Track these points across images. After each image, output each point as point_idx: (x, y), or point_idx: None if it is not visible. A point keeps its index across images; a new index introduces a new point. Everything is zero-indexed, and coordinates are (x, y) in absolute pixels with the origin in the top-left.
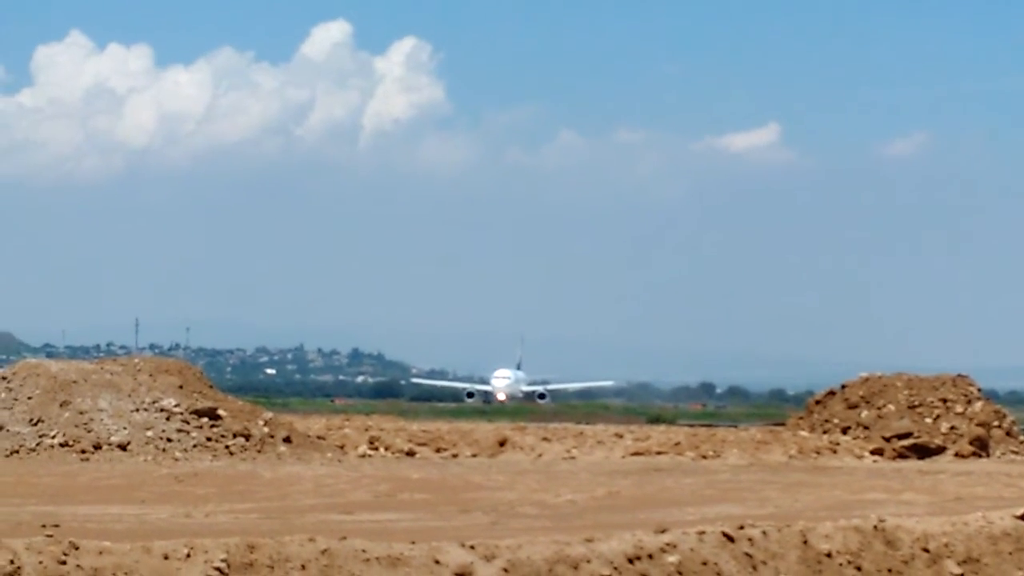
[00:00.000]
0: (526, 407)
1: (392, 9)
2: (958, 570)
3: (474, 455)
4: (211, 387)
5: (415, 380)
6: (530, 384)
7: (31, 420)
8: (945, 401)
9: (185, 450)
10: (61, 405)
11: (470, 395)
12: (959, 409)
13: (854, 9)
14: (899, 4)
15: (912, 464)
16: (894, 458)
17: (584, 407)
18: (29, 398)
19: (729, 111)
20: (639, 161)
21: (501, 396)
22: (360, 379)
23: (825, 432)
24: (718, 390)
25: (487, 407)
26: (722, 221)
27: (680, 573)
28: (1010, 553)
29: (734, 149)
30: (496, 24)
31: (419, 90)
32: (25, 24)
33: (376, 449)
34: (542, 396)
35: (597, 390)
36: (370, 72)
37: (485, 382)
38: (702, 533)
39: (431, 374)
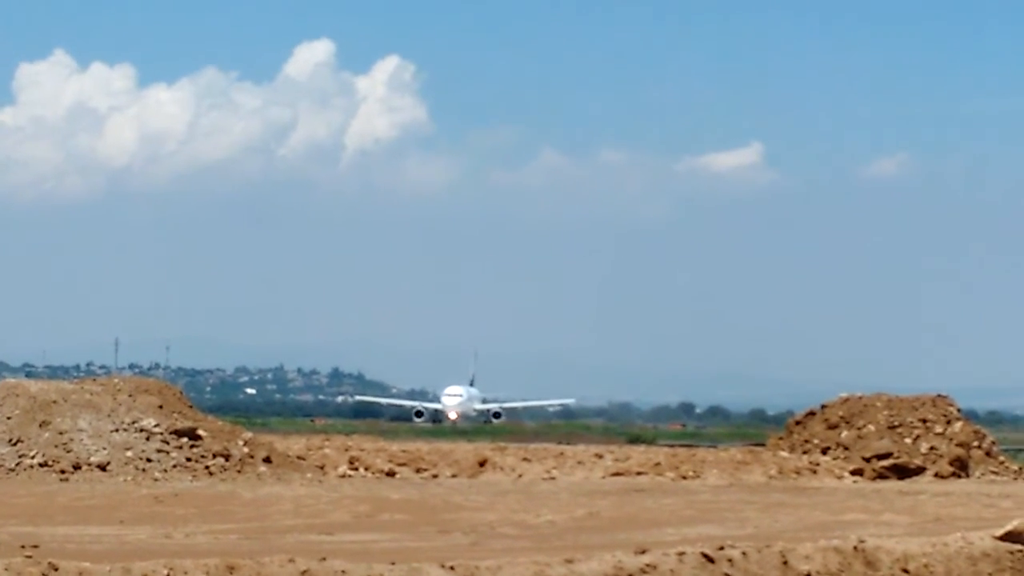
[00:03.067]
0: (478, 427)
1: (375, 28)
2: None
3: (454, 475)
4: (191, 407)
5: (359, 398)
6: (484, 402)
7: (10, 440)
8: (925, 421)
9: (165, 470)
10: (40, 425)
11: (419, 414)
12: (939, 429)
13: (836, 29)
14: (881, 25)
15: (892, 484)
16: (874, 478)
17: (565, 427)
18: (8, 418)
19: (712, 131)
20: (621, 181)
21: (452, 415)
22: (340, 399)
23: (805, 452)
24: (698, 410)
25: (437, 427)
26: (704, 241)
27: None
28: (990, 574)
29: (717, 169)
30: (479, 44)
31: (402, 110)
32: (8, 42)
33: (356, 469)
34: (497, 415)
35: (577, 409)
36: (352, 92)
37: (436, 400)
38: (682, 554)
39: (411, 394)
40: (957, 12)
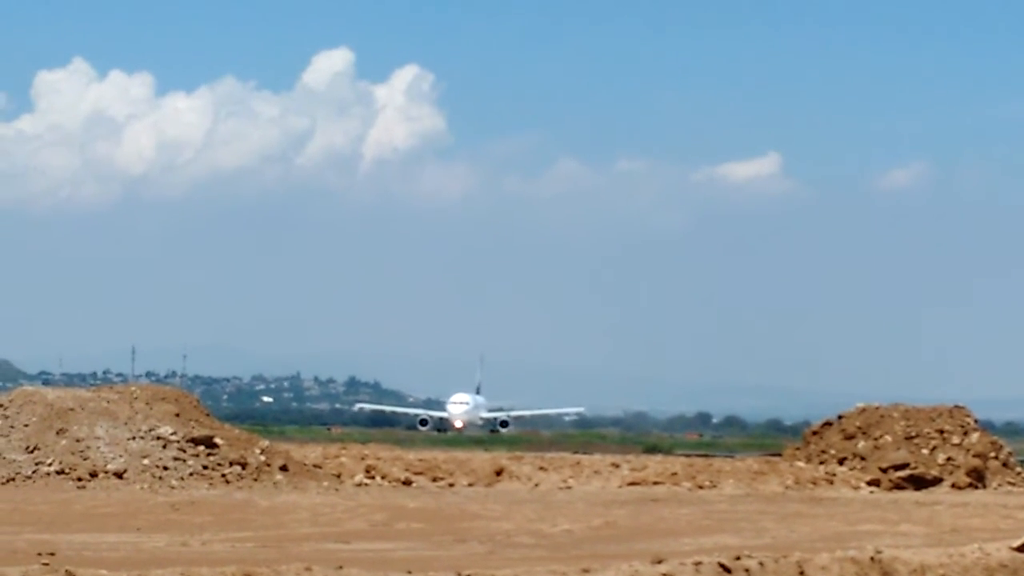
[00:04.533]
0: (488, 436)
1: (394, 37)
2: None
3: (471, 484)
4: (207, 415)
5: (361, 406)
6: (491, 410)
7: (27, 448)
8: (942, 432)
9: (181, 478)
10: (58, 433)
11: (423, 422)
12: (956, 440)
13: (854, 39)
14: (897, 34)
15: (909, 495)
16: (891, 489)
17: (580, 436)
18: (26, 425)
19: (729, 140)
20: (638, 190)
21: (458, 423)
22: (357, 408)
23: (822, 463)
24: (715, 420)
25: (451, 436)
26: (721, 251)
27: None
28: None
29: (734, 178)
30: (497, 53)
31: (420, 119)
32: (27, 50)
33: (373, 478)
34: (504, 424)
35: (593, 418)
36: (371, 101)
37: (442, 408)
38: (699, 564)
39: (428, 403)
40: (973, 21)
